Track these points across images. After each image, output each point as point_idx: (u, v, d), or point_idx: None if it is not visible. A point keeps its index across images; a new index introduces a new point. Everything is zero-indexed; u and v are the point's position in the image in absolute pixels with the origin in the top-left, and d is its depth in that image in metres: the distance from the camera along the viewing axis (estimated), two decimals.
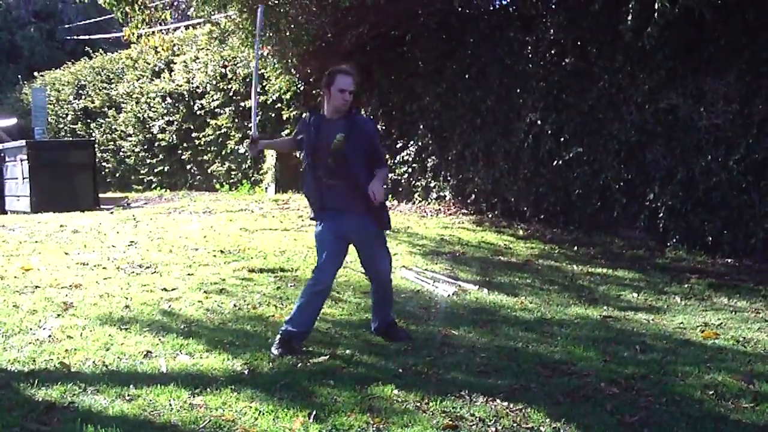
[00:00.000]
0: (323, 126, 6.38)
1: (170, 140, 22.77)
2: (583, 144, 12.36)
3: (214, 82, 20.87)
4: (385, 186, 6.50)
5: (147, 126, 23.78)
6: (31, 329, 6.64)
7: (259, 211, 14.86)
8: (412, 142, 15.45)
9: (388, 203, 14.07)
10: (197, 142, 21.72)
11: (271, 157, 18.66)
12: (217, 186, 21.03)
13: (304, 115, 6.69)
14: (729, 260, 10.68)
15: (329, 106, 6.36)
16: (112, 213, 15.74)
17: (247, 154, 6.35)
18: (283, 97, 18.08)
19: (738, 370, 6.01)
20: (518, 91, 13.30)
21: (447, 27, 14.58)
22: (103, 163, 25.56)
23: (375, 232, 6.49)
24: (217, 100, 20.84)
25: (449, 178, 14.85)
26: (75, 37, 36.57)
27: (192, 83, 21.82)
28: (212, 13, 16.41)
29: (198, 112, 21.64)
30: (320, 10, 14.77)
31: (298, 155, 17.65)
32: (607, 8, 11.34)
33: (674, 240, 11.26)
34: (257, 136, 6.75)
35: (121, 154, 25.19)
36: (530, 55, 13.09)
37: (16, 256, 9.98)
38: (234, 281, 8.67)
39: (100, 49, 28.90)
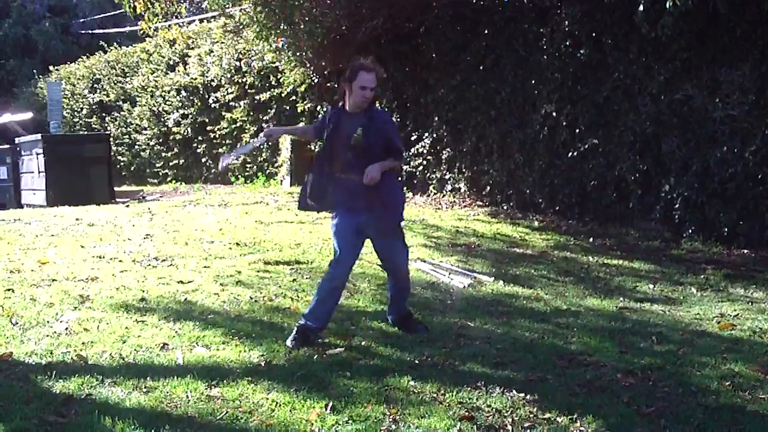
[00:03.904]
0: (343, 120, 6.35)
1: (185, 133, 22.81)
2: (598, 135, 12.32)
3: (229, 75, 20.88)
4: (396, 174, 6.58)
5: (162, 119, 23.81)
6: (48, 322, 6.67)
7: (274, 203, 14.87)
8: (426, 134, 15.43)
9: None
10: (212, 135, 21.74)
11: (286, 150, 18.67)
12: (232, 179, 21.05)
13: (325, 109, 6.68)
14: (745, 251, 10.64)
15: (350, 100, 6.33)
16: (127, 206, 15.77)
17: (261, 138, 6.24)
18: (297, 89, 18.08)
19: (755, 361, 6.00)
20: (533, 82, 13.26)
21: (461, 19, 14.55)
22: (119, 157, 25.61)
23: (392, 228, 6.50)
24: (231, 93, 20.84)
25: (464, 170, 14.82)
26: (90, 32, 36.66)
27: (206, 76, 21.82)
28: (226, 5, 16.42)
29: (213, 105, 21.66)
30: (334, 2, 14.77)
31: (313, 146, 17.74)
32: (622, 0, 11.31)
33: (690, 231, 11.22)
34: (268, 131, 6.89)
35: (136, 147, 25.24)
36: (545, 47, 13.05)
37: (33, 249, 10.01)
38: (250, 273, 8.69)
39: (115, 43, 28.97)
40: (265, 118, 19.75)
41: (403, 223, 6.69)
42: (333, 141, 6.36)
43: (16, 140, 19.54)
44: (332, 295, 6.43)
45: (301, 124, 6.02)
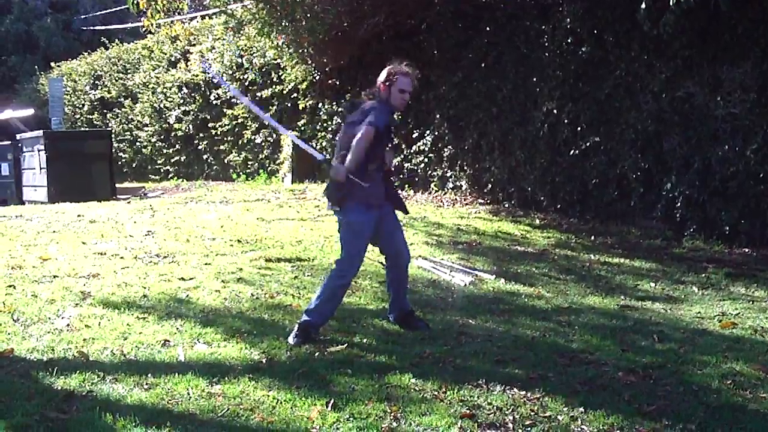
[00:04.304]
0: (392, 121, 6.56)
1: (186, 130, 22.79)
2: (599, 133, 12.32)
3: (230, 72, 20.87)
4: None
5: (163, 116, 23.80)
6: (49, 318, 6.68)
7: (275, 200, 14.88)
8: (428, 132, 15.42)
9: (404, 192, 14.10)
10: (213, 132, 21.73)
11: (287, 147, 18.68)
12: (234, 176, 21.05)
13: (383, 108, 6.41)
14: (746, 250, 10.63)
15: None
16: (129, 203, 15.78)
17: (334, 176, 5.98)
18: (299, 86, 18.08)
19: (756, 360, 6.00)
20: (534, 80, 13.25)
21: (463, 16, 14.54)
22: (120, 153, 25.61)
23: (397, 218, 6.66)
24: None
25: (465, 167, 14.82)
26: (91, 28, 36.65)
27: (208, 73, 21.79)
28: (227, 2, 16.42)
29: (214, 102, 21.66)
30: None
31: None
32: None
33: (691, 229, 11.22)
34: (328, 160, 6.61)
35: (137, 144, 25.23)
36: (546, 44, 13.04)
37: (34, 245, 10.02)
38: (251, 270, 8.69)
39: (117, 40, 28.95)
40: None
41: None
42: (385, 141, 6.46)
43: (18, 136, 19.55)
44: (339, 293, 6.51)
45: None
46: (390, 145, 6.64)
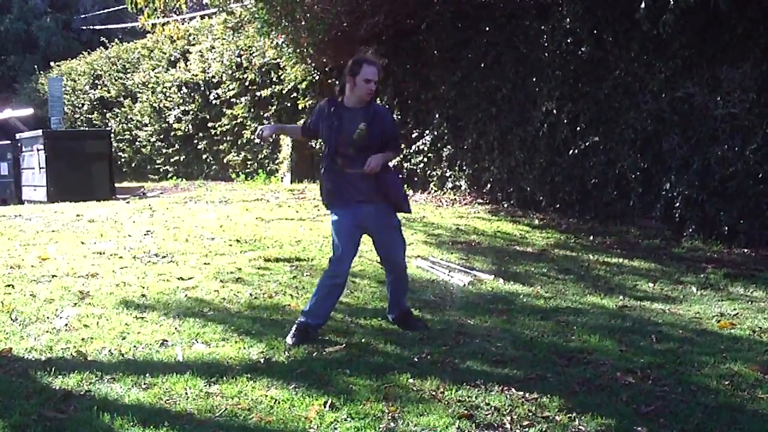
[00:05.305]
0: (344, 115, 6.33)
1: (186, 130, 22.82)
2: (599, 133, 12.31)
3: (230, 72, 20.88)
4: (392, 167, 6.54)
5: (163, 116, 23.82)
6: (48, 318, 6.68)
7: (275, 200, 14.87)
8: (427, 132, 15.42)
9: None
10: (213, 131, 21.75)
11: (287, 146, 18.68)
12: (233, 175, 21.06)
13: (320, 103, 6.61)
14: (745, 250, 10.62)
15: (352, 95, 6.33)
16: (128, 202, 15.78)
17: (257, 140, 6.23)
18: (298, 86, 18.08)
19: (754, 360, 5.99)
20: (534, 79, 13.25)
21: (462, 16, 14.54)
22: (119, 153, 25.65)
23: (392, 221, 6.51)
24: (233, 89, 20.85)
25: (465, 167, 14.82)
26: (91, 27, 36.65)
27: (208, 73, 21.83)
28: (228, 1, 16.42)
29: (214, 102, 21.67)
30: None
31: (314, 144, 17.75)
32: None
33: (690, 230, 11.21)
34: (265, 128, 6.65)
35: (137, 143, 25.26)
36: (546, 44, 13.03)
37: (33, 245, 10.02)
38: (250, 270, 8.69)
39: (116, 39, 28.96)
40: (265, 114, 19.75)
41: (406, 216, 6.74)
42: (337, 136, 6.31)
43: (17, 136, 19.56)
44: (333, 293, 6.43)
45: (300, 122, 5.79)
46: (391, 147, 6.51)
